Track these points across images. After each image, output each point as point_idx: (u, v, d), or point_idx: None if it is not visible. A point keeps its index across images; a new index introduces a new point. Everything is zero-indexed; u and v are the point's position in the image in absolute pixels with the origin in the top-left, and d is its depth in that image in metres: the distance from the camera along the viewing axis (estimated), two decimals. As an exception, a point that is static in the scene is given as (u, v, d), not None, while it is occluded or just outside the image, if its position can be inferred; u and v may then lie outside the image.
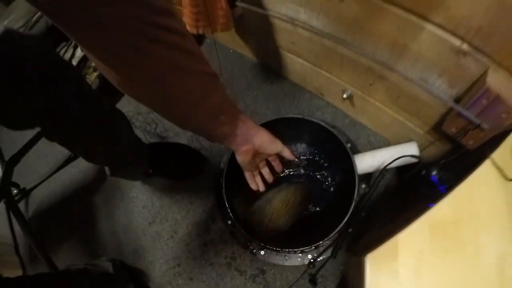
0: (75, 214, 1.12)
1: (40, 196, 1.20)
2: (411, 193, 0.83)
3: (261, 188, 0.74)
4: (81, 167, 1.16)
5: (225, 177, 0.87)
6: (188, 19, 0.83)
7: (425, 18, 0.54)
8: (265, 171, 0.74)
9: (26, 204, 1.20)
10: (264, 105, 1.08)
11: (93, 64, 1.07)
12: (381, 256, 0.50)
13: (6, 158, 0.97)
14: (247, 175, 0.71)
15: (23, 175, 1.00)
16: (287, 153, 0.68)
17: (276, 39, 0.94)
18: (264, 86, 1.11)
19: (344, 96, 0.89)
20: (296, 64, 0.97)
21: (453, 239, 0.50)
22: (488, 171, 0.52)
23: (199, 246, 0.94)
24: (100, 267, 0.84)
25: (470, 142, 0.61)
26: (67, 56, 1.06)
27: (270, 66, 1.13)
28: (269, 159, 0.72)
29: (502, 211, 0.50)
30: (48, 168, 1.16)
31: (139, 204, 1.04)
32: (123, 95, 1.21)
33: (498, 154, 0.53)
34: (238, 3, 0.82)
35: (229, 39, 1.16)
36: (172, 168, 0.99)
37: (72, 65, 1.06)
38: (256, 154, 0.65)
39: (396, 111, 0.81)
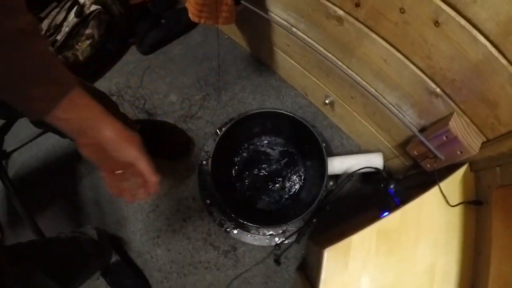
0: (57, 181, 1.13)
1: (21, 160, 1.19)
2: (370, 199, 0.95)
3: (129, 200, 0.52)
4: (65, 133, 1.16)
5: (212, 160, 0.94)
6: (191, 8, 0.84)
7: (410, 60, 0.63)
8: (135, 182, 0.51)
9: (6, 167, 1.17)
10: (251, 96, 1.14)
11: (86, 32, 1.04)
12: (337, 250, 0.62)
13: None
14: (103, 175, 0.50)
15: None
16: (143, 166, 0.48)
17: (272, 38, 0.98)
18: (253, 77, 1.16)
19: (327, 101, 0.97)
20: (286, 63, 1.03)
21: (396, 244, 0.62)
22: (435, 195, 0.64)
23: (179, 221, 1.02)
24: (86, 235, 0.90)
25: (428, 165, 0.72)
26: (59, 19, 1.01)
27: (261, 59, 1.17)
28: (138, 169, 0.49)
29: (441, 229, 0.63)
30: (31, 132, 1.14)
31: (123, 177, 1.08)
32: (110, 68, 1.21)
33: (447, 183, 0.64)
34: (243, 2, 0.85)
35: (226, 26, 1.16)
36: (158, 147, 1.03)
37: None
38: (109, 153, 0.46)
39: (370, 124, 0.91)
